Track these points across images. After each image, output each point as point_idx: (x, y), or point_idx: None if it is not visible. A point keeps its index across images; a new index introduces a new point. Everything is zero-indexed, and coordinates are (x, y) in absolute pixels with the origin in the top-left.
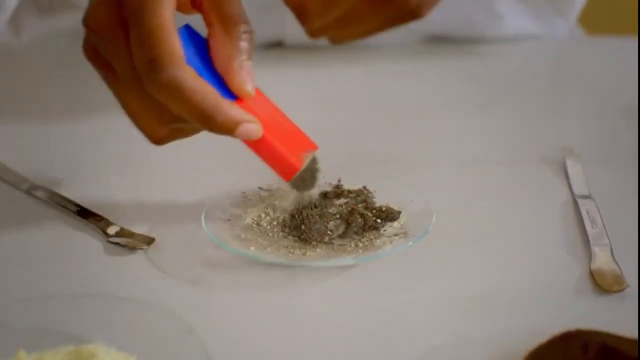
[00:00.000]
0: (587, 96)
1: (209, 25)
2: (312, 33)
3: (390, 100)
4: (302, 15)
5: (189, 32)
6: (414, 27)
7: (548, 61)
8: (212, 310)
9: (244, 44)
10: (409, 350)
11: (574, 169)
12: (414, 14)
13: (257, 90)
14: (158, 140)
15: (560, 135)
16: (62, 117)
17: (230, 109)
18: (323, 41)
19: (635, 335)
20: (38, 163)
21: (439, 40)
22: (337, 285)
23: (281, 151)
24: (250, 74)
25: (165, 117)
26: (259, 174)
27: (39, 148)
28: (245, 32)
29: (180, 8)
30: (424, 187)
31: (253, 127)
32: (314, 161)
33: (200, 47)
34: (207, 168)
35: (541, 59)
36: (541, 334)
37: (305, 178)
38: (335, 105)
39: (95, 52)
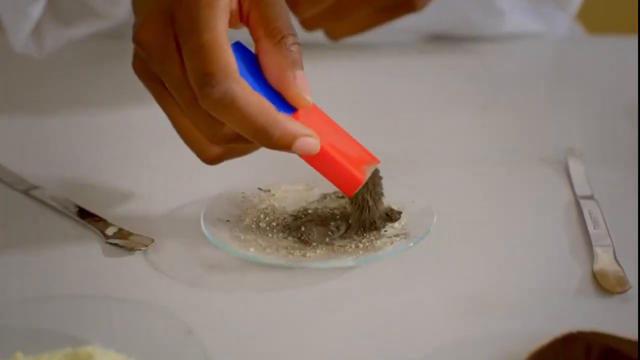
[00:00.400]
0: (589, 95)
1: (256, 40)
2: (306, 24)
3: (391, 99)
4: (293, 4)
5: (239, 49)
6: (414, 26)
7: (549, 60)
8: (211, 311)
9: (294, 55)
10: (410, 351)
11: (576, 169)
12: (408, 5)
13: (314, 105)
14: (210, 159)
15: (562, 135)
16: (60, 116)
17: (287, 123)
18: (322, 39)
19: (637, 336)
20: (36, 163)
21: (439, 39)
22: (337, 287)
23: (343, 164)
24: (306, 83)
25: (219, 135)
26: (259, 175)
27: (37, 148)
28: (293, 43)
29: (230, 22)
30: (424, 188)
31: (311, 142)
32: (376, 175)
33: (251, 63)
34: (206, 168)
35: (542, 57)
36: (543, 335)
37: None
38: (334, 104)
39: (145, 70)
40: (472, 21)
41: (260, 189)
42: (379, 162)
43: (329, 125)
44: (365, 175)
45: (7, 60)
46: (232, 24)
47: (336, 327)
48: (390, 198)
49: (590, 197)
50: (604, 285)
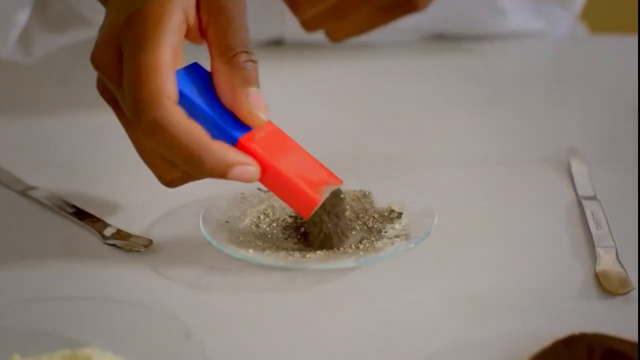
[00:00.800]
0: (592, 95)
1: (211, 58)
2: (307, 25)
3: (392, 99)
4: (294, 4)
5: (195, 70)
6: (415, 25)
7: (551, 59)
8: (210, 313)
9: (247, 73)
10: (411, 353)
11: (578, 169)
12: (410, 5)
13: (271, 124)
14: (168, 182)
15: (564, 135)
16: (57, 117)
17: (221, 152)
18: (323, 39)
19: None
20: (33, 164)
21: (441, 39)
22: (338, 288)
23: (298, 185)
24: (261, 101)
25: (168, 160)
26: None
27: (34, 149)
28: (247, 60)
29: (190, 38)
30: (425, 188)
31: (249, 170)
32: (336, 196)
33: (208, 83)
34: None
35: (544, 57)
36: (545, 337)
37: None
38: (336, 104)
39: (105, 89)
40: (474, 20)
41: (259, 189)
42: (341, 182)
43: (287, 144)
44: (322, 196)
45: (3, 61)
46: (193, 40)
47: (336, 328)
48: (391, 199)
49: (593, 198)
50: (607, 287)
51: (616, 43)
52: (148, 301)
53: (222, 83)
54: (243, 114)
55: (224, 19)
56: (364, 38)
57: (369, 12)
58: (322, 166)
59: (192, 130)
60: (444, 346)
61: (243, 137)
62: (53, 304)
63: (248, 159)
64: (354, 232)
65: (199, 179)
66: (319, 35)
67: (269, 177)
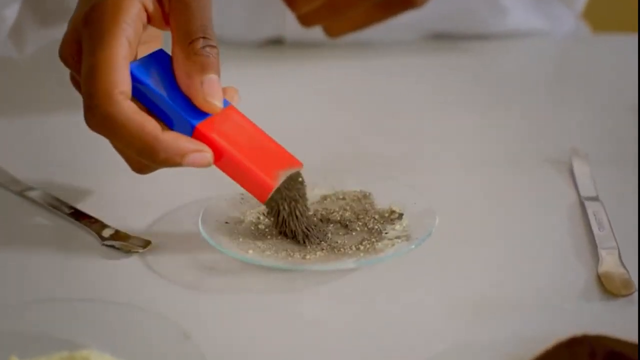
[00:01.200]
0: (594, 95)
1: (172, 45)
2: (303, 20)
3: (392, 99)
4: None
5: (159, 57)
6: (416, 23)
7: (553, 59)
8: (209, 315)
9: (204, 59)
10: (411, 355)
11: (580, 170)
12: (407, 2)
13: (233, 109)
14: (137, 170)
15: (566, 135)
16: (55, 117)
17: (173, 142)
18: (323, 38)
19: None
20: (31, 164)
21: (442, 38)
22: (338, 289)
23: (252, 169)
24: (216, 88)
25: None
26: None
27: (32, 149)
28: (205, 46)
29: (156, 25)
30: (426, 189)
31: (202, 156)
32: (294, 180)
33: (171, 70)
34: (204, 169)
35: (546, 56)
36: (547, 339)
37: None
38: (336, 104)
39: (76, 81)
40: (475, 18)
41: None
42: (301, 165)
43: (246, 130)
44: (277, 181)
45: (1, 62)
46: (160, 27)
47: (337, 329)
48: (392, 199)
49: (595, 199)
50: (609, 288)
51: (618, 42)
52: (146, 303)
53: (180, 70)
54: (198, 101)
55: (183, 6)
56: (363, 36)
57: (366, 8)
58: (283, 150)
59: (143, 124)
60: (445, 348)
61: (200, 124)
62: (51, 305)
63: (200, 146)
64: (354, 233)
65: (161, 168)
66: (320, 35)
67: (225, 162)
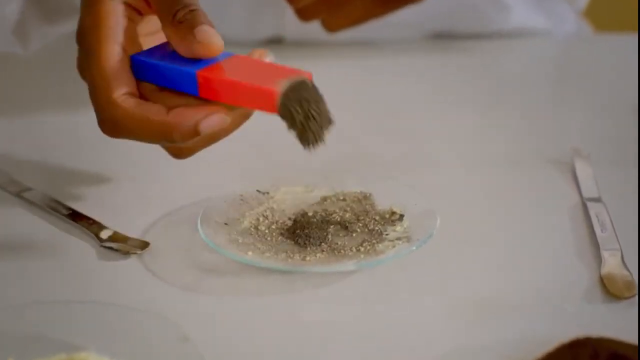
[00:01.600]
0: (596, 95)
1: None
2: (301, 14)
3: (393, 98)
4: None
5: (164, 45)
6: (419, 21)
7: (555, 58)
8: (208, 317)
9: (189, 22)
10: (413, 357)
11: (583, 170)
12: None
13: (239, 56)
14: (174, 154)
15: (568, 135)
16: (53, 117)
17: (181, 117)
18: (323, 37)
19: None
20: (28, 165)
21: (443, 37)
22: (338, 291)
23: (252, 85)
24: (208, 32)
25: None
26: (257, 176)
27: (30, 150)
28: (185, 14)
29: (148, 14)
30: (427, 189)
31: (215, 118)
32: (303, 87)
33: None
34: (203, 170)
35: (548, 56)
36: (549, 341)
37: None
38: (336, 104)
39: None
40: (477, 16)
41: (258, 191)
42: (309, 75)
43: (250, 63)
44: (280, 87)
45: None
46: (150, 14)
47: (336, 331)
48: (392, 200)
49: (598, 200)
50: (612, 290)
51: (620, 42)
52: (145, 305)
53: (175, 43)
54: (199, 51)
55: None
56: (364, 36)
57: (365, 2)
58: (291, 70)
59: (146, 114)
60: (446, 350)
61: (200, 70)
62: (49, 307)
63: (207, 110)
64: (354, 235)
65: (191, 144)
66: (319, 34)
67: (228, 94)
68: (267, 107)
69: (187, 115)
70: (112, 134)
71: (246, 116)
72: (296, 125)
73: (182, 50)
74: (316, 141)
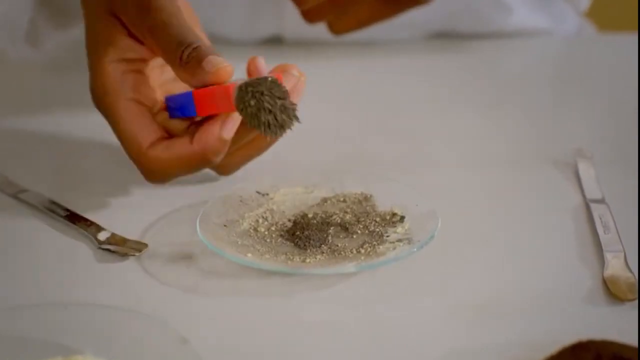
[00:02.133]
0: (599, 95)
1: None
2: (307, 16)
3: (394, 98)
4: None
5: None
6: (420, 21)
7: (558, 58)
8: (207, 319)
9: (195, 60)
10: None
11: (586, 171)
12: None
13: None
14: (220, 172)
15: (572, 136)
16: (50, 118)
17: (205, 138)
18: (323, 37)
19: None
20: (25, 166)
21: (445, 37)
22: (339, 293)
23: (210, 91)
24: (217, 59)
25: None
26: (257, 178)
27: (27, 150)
28: (189, 53)
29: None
30: (428, 190)
31: (230, 120)
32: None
33: None
34: (202, 171)
35: (551, 56)
36: (552, 344)
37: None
38: (336, 103)
39: None
40: (479, 16)
41: (258, 192)
42: (279, 76)
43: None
44: (236, 84)
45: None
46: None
47: (336, 334)
48: (393, 201)
49: (601, 201)
50: (615, 292)
51: (623, 42)
52: (143, 307)
53: (187, 80)
54: (212, 81)
55: (155, 30)
56: (364, 36)
57: (372, 4)
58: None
59: (175, 152)
60: (447, 352)
61: (195, 90)
62: (45, 309)
63: (218, 120)
64: (355, 236)
65: (219, 156)
66: (319, 34)
67: (200, 106)
68: (225, 106)
69: (206, 135)
70: (158, 181)
71: None
72: (248, 117)
73: (195, 84)
74: (273, 133)
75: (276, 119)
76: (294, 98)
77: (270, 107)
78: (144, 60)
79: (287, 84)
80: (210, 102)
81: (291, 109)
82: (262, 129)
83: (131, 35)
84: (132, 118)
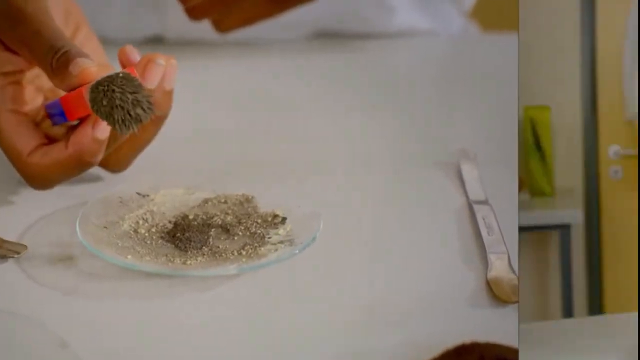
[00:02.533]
0: (483, 95)
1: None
2: (191, 13)
3: (276, 99)
4: None
5: None
6: (302, 21)
7: (443, 58)
8: (87, 322)
9: (63, 63)
10: None
11: (469, 172)
12: None
13: None
14: (112, 169)
15: (456, 136)
16: None
17: (80, 141)
18: (207, 37)
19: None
20: None
21: (328, 36)
22: (220, 295)
23: (66, 96)
24: (82, 61)
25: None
26: (137, 179)
27: None
28: (59, 58)
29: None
30: (311, 192)
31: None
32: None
33: None
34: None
35: (434, 56)
36: (435, 346)
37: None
38: (218, 105)
39: None
40: (362, 17)
41: (138, 193)
42: (131, 70)
43: None
44: (88, 86)
45: None
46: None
47: (218, 336)
48: (276, 203)
49: (484, 202)
50: (499, 294)
51: (503, 41)
52: (22, 309)
53: (59, 86)
54: (77, 83)
55: (23, 43)
56: (247, 36)
57: (257, 2)
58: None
59: (52, 157)
60: (330, 356)
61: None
62: None
63: (90, 121)
64: (236, 238)
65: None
66: (201, 34)
67: (69, 111)
68: (82, 108)
69: (80, 137)
70: (41, 187)
71: (158, 121)
72: (102, 116)
73: (66, 89)
74: (129, 128)
75: (129, 114)
76: (166, 85)
77: (121, 103)
78: (22, 72)
79: (155, 73)
80: (76, 106)
81: (145, 101)
82: (117, 126)
83: (7, 48)
84: (12, 128)
